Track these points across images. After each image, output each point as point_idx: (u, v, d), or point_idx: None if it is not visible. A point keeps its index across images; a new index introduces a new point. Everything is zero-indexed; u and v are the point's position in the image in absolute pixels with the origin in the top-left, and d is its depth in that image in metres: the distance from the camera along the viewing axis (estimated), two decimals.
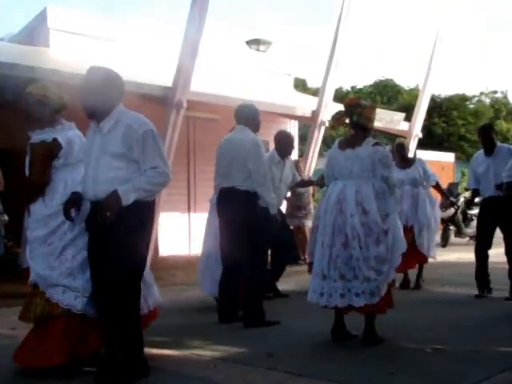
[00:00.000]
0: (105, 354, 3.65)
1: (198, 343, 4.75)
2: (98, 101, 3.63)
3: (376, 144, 4.68)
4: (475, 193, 6.90)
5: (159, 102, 8.62)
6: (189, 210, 11.66)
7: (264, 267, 5.36)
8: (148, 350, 4.13)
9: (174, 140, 8.66)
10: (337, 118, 4.87)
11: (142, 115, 3.76)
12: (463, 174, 20.21)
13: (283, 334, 4.98)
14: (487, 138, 6.60)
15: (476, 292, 6.61)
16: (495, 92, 30.00)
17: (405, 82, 38.46)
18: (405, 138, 11.47)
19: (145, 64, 10.55)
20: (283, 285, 7.29)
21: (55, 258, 3.87)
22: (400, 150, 7.28)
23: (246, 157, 5.21)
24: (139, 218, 3.61)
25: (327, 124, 11.29)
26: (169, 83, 8.61)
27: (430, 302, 6.43)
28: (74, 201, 3.77)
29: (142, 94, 8.18)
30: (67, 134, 4.03)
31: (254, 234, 5.20)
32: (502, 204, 6.32)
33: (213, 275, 5.71)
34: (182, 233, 11.46)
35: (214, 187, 5.64)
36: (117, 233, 3.50)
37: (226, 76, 11.66)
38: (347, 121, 4.87)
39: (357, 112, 4.71)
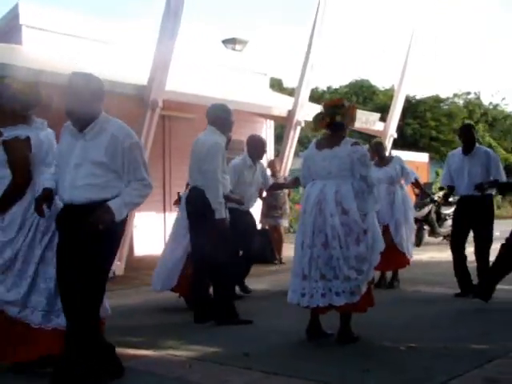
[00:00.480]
0: (65, 355, 3.59)
1: (173, 343, 4.73)
2: (82, 108, 3.56)
3: (355, 143, 4.72)
4: (450, 190, 6.97)
5: (134, 101, 8.57)
6: (164, 209, 11.61)
7: (230, 266, 5.33)
8: (122, 351, 4.12)
9: (150, 139, 8.62)
10: (319, 120, 4.86)
11: (124, 124, 3.71)
12: (437, 174, 20.45)
13: (259, 334, 4.99)
14: (468, 136, 6.68)
15: (451, 291, 6.66)
16: (468, 93, 30.36)
17: (380, 82, 38.72)
18: (380, 137, 11.57)
19: (121, 62, 10.47)
20: (257, 284, 7.30)
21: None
22: (378, 149, 7.36)
23: (203, 158, 5.22)
24: (115, 228, 3.60)
25: (303, 124, 11.33)
26: (144, 82, 8.56)
27: (404, 301, 6.49)
28: (45, 197, 3.71)
29: (117, 92, 8.11)
30: (39, 134, 3.96)
31: (218, 234, 5.18)
32: (477, 203, 6.41)
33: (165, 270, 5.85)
34: (158, 232, 11.40)
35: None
36: (95, 240, 3.48)
37: (202, 75, 11.62)
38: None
39: (341, 112, 4.74)
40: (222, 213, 5.20)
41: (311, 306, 4.58)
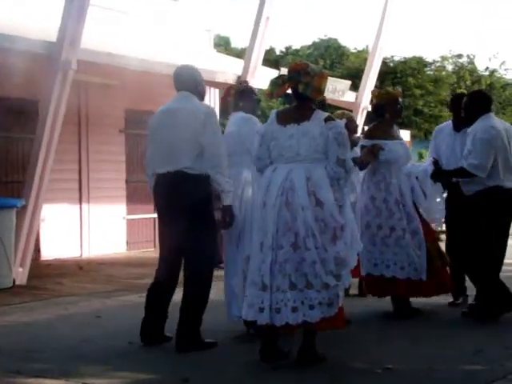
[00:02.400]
0: None
1: (91, 370, 4.69)
2: None
3: (329, 118, 4.71)
4: (435, 164, 6.94)
5: (42, 61, 8.42)
6: (80, 200, 11.47)
7: (210, 278, 5.27)
8: (21, 381, 4.05)
9: (61, 110, 8.48)
10: (278, 85, 4.84)
11: None
12: (421, 156, 20.71)
13: (201, 355, 4.99)
14: (459, 109, 6.73)
15: (439, 300, 6.76)
16: (460, 56, 30.78)
17: (351, 42, 39.01)
18: (351, 111, 11.69)
19: (24, 14, 10.26)
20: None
21: None
22: (348, 128, 7.30)
23: (198, 130, 5.07)
24: None
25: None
26: (54, 38, 8.42)
27: (379, 313, 6.57)
28: None
29: (19, 50, 7.96)
30: None
31: (207, 237, 5.12)
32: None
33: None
34: (72, 230, 11.27)
35: (147, 176, 5.43)
36: None
37: (127, 31, 11.49)
38: (289, 90, 4.87)
39: (304, 81, 4.70)
40: (231, 197, 5.17)
41: (277, 324, 4.53)
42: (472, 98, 6.38)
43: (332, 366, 4.64)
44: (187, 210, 5.03)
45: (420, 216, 6.37)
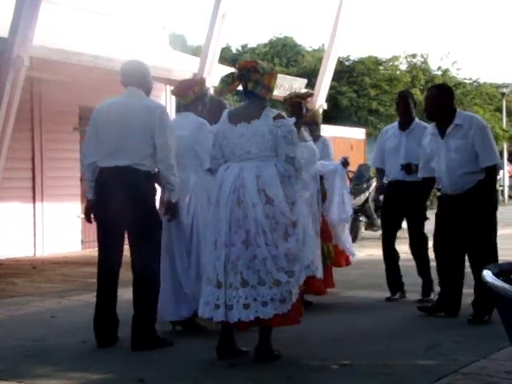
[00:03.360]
0: None
1: (45, 371, 4.62)
2: None
3: (278, 116, 4.72)
4: (380, 174, 7.12)
5: None
6: (34, 198, 11.31)
7: (159, 274, 5.24)
8: None
9: (13, 108, 8.38)
10: (227, 83, 4.85)
11: None
12: None
13: (157, 354, 4.95)
14: (404, 107, 6.82)
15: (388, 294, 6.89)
16: (414, 56, 31.15)
17: (307, 41, 39.26)
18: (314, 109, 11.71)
19: None
20: None
21: None
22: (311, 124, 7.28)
23: (152, 128, 5.05)
24: None
25: (212, 91, 11.28)
26: (5, 34, 8.30)
27: (338, 308, 6.63)
28: None
29: None
30: None
31: (150, 229, 5.10)
32: (409, 189, 6.56)
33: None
34: (25, 229, 11.12)
35: (84, 167, 5.39)
36: None
37: (81, 27, 11.37)
38: (240, 87, 4.89)
39: (253, 78, 4.72)
40: (176, 195, 5.21)
41: (231, 321, 4.55)
42: (443, 92, 6.00)
43: (288, 364, 4.66)
44: (133, 204, 5.01)
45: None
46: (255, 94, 4.75)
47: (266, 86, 4.75)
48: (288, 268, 4.57)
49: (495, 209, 5.94)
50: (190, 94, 5.74)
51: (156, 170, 5.17)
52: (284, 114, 4.87)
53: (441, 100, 5.88)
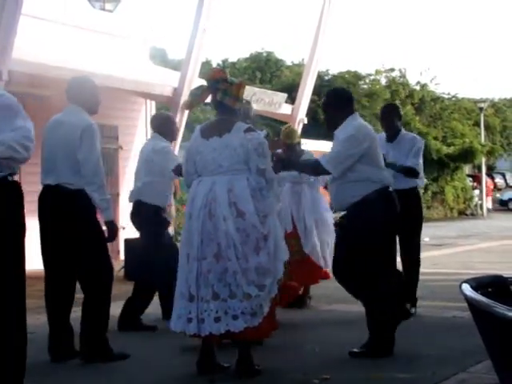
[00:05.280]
0: None
1: None
2: None
3: (249, 130, 4.75)
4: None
5: None
6: None
7: (106, 291, 5.23)
8: None
9: None
10: (197, 95, 4.90)
11: None
12: None
13: (135, 370, 4.93)
14: (389, 120, 6.88)
15: None
16: (392, 70, 31.31)
17: (288, 56, 39.43)
18: (287, 123, 11.76)
19: None
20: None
21: None
22: (290, 138, 7.27)
23: (75, 145, 5.05)
24: None
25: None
26: None
27: (318, 322, 6.62)
28: None
29: None
30: None
31: (89, 249, 5.10)
32: (401, 199, 6.52)
33: None
34: None
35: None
36: None
37: (61, 41, 11.34)
38: (209, 99, 4.94)
39: (222, 88, 4.76)
40: (111, 213, 5.17)
41: (202, 334, 4.55)
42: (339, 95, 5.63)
43: (269, 378, 4.65)
44: (66, 224, 5.05)
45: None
46: (223, 104, 4.78)
47: (233, 96, 4.80)
48: (258, 282, 4.58)
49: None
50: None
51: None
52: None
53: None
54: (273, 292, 4.66)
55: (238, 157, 4.68)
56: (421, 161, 6.82)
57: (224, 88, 4.76)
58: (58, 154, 5.12)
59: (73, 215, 5.06)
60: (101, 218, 5.20)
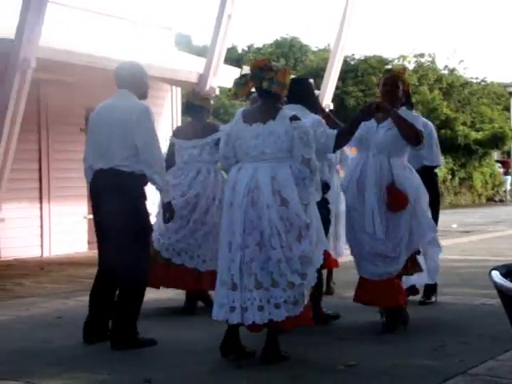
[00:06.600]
0: None
1: (53, 371, 4.63)
2: None
3: (294, 118, 4.71)
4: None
5: (0, 59, 8.32)
6: (41, 199, 11.34)
7: (144, 276, 5.28)
8: None
9: (20, 109, 8.40)
10: (242, 84, 4.84)
11: None
12: None
13: (163, 355, 4.97)
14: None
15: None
16: (422, 55, 31.00)
17: (313, 41, 39.21)
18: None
19: None
20: (160, 292, 7.25)
21: None
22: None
23: (131, 129, 5.09)
24: None
25: (218, 91, 11.31)
26: (11, 35, 8.32)
27: (339, 308, 6.59)
28: None
29: None
30: None
31: (140, 233, 5.15)
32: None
33: None
34: (32, 229, 11.14)
35: (84, 170, 5.45)
36: None
37: (87, 28, 11.39)
38: (253, 89, 4.89)
39: (267, 77, 4.71)
40: (169, 194, 5.28)
41: (246, 323, 4.55)
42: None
43: (295, 364, 4.66)
44: (119, 207, 5.07)
45: None
46: (270, 93, 4.75)
47: (280, 83, 4.75)
48: (302, 270, 4.58)
49: None
50: None
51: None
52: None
53: None
54: (313, 281, 4.68)
55: (282, 144, 4.64)
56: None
57: (270, 76, 4.70)
58: (112, 138, 5.14)
59: (125, 196, 5.09)
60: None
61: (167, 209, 5.32)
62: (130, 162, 5.12)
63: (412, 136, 5.37)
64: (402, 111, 5.60)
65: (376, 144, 5.48)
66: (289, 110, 4.89)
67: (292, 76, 5.15)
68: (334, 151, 5.37)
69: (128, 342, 5.12)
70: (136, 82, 5.35)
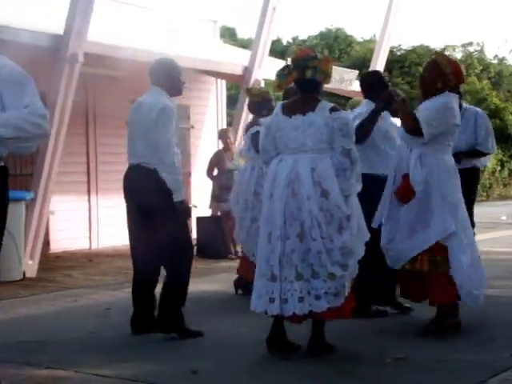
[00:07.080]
0: None
1: (101, 360, 4.70)
2: None
3: (334, 109, 4.70)
4: None
5: (48, 54, 8.42)
6: (89, 192, 11.47)
7: (185, 267, 5.32)
8: (33, 372, 4.05)
9: (68, 103, 8.49)
10: (284, 75, 4.85)
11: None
12: None
13: (209, 346, 5.00)
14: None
15: None
16: (470, 44, 30.54)
17: (358, 32, 38.89)
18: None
19: (31, 6, 10.25)
20: (207, 284, 7.32)
21: None
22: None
23: (151, 127, 5.14)
24: None
25: (263, 84, 11.30)
26: (60, 31, 8.41)
27: None
28: None
29: (24, 43, 7.95)
30: None
31: (171, 226, 5.17)
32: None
33: None
34: (80, 222, 11.28)
35: None
36: None
37: (133, 23, 11.47)
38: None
39: (311, 65, 4.71)
40: (181, 194, 5.21)
41: (286, 315, 4.56)
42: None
43: (341, 357, 4.65)
44: (145, 203, 5.16)
45: None
46: (315, 82, 4.75)
47: (324, 71, 4.76)
48: (343, 262, 4.56)
49: None
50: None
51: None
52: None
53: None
54: (354, 272, 4.66)
55: (322, 136, 4.63)
56: None
57: (314, 65, 4.70)
58: (137, 135, 5.29)
59: (152, 193, 5.13)
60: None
61: (179, 208, 5.21)
62: (150, 159, 5.18)
63: (405, 126, 5.25)
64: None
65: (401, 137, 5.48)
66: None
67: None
68: (361, 142, 5.28)
69: (176, 330, 5.18)
70: (167, 79, 5.36)
